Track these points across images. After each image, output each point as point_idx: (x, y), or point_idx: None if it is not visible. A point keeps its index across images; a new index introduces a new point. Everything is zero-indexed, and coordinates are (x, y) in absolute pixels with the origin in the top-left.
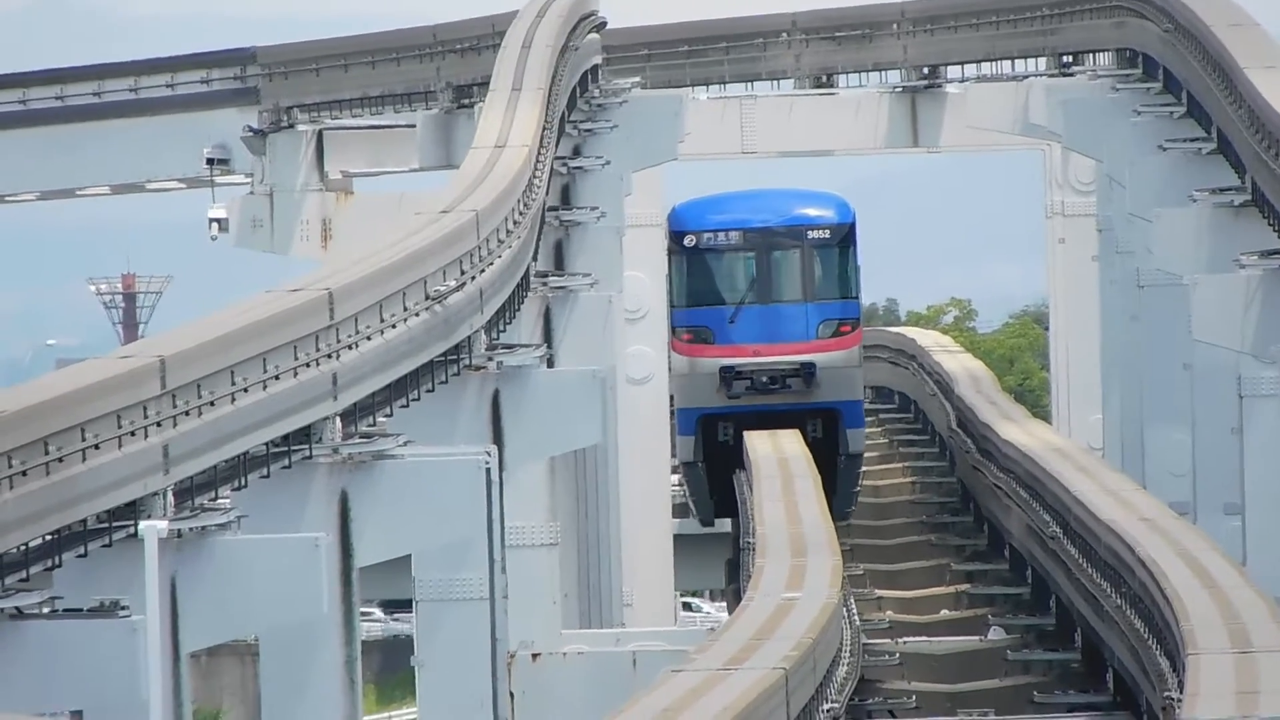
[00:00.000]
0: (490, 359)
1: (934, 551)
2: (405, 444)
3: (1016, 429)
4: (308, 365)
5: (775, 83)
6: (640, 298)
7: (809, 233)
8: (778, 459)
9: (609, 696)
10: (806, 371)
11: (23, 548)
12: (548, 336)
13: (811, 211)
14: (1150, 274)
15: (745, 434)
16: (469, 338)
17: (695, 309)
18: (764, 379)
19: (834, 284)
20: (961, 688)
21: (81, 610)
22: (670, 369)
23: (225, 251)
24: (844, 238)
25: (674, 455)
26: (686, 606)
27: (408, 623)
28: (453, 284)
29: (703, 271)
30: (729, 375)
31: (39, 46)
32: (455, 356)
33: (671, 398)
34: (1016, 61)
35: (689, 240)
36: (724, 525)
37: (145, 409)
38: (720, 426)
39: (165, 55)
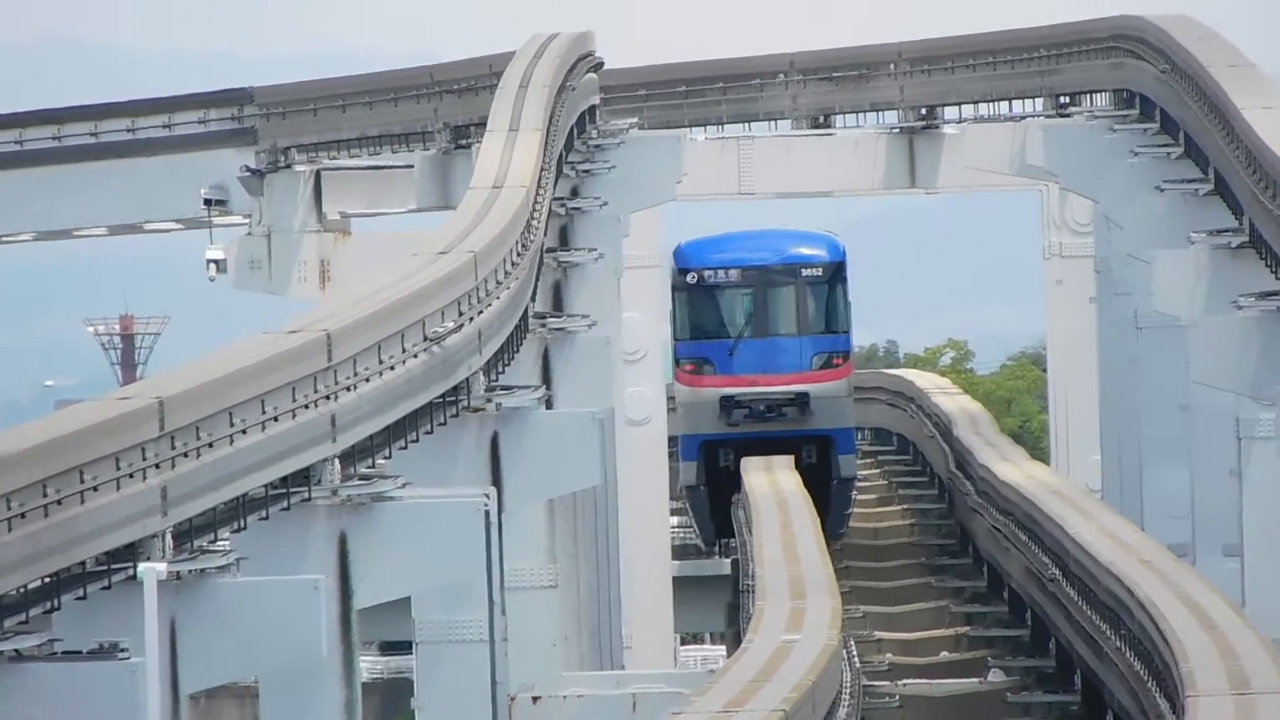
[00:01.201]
0: (489, 400)
1: (933, 593)
2: (404, 486)
3: (1015, 470)
4: (306, 407)
5: (773, 123)
6: (638, 339)
7: (803, 270)
8: (776, 499)
9: None
10: (801, 400)
11: (22, 590)
12: (546, 378)
13: (805, 251)
14: (1148, 315)
15: (743, 470)
16: (468, 379)
17: (697, 341)
18: (761, 407)
19: (826, 318)
20: None
21: (81, 652)
22: (675, 398)
23: (223, 292)
24: (835, 275)
25: (678, 481)
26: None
27: (407, 659)
28: (451, 325)
29: (704, 306)
30: (729, 404)
31: (45, 84)
32: (454, 398)
33: (671, 439)
34: (1014, 102)
35: (691, 277)
36: (723, 568)
37: (144, 451)
38: (721, 452)
39: (162, 95)
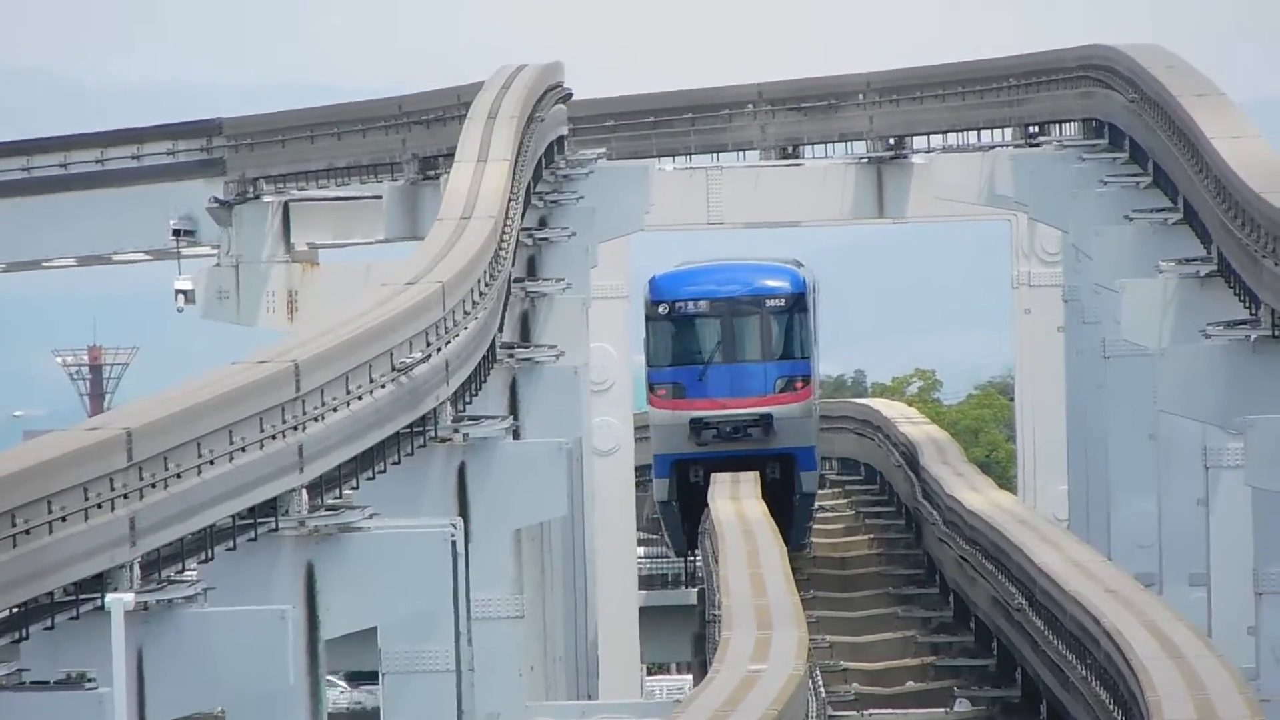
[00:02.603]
0: (456, 431)
1: (900, 623)
2: (371, 516)
3: (981, 500)
4: (274, 437)
5: (741, 153)
6: (606, 369)
7: (767, 301)
8: (742, 529)
9: None
10: (765, 421)
11: None
12: (514, 408)
13: (769, 282)
14: (1116, 344)
15: (710, 499)
16: (435, 409)
17: (669, 368)
18: (729, 428)
19: (788, 345)
20: None
21: (49, 682)
22: (648, 420)
23: (191, 323)
24: (796, 305)
25: (651, 496)
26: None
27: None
28: (419, 356)
29: (676, 335)
30: (699, 425)
31: (9, 117)
32: (421, 428)
33: (639, 469)
34: (982, 132)
35: (663, 308)
36: (689, 597)
37: (112, 481)
38: (691, 470)
39: (131, 126)
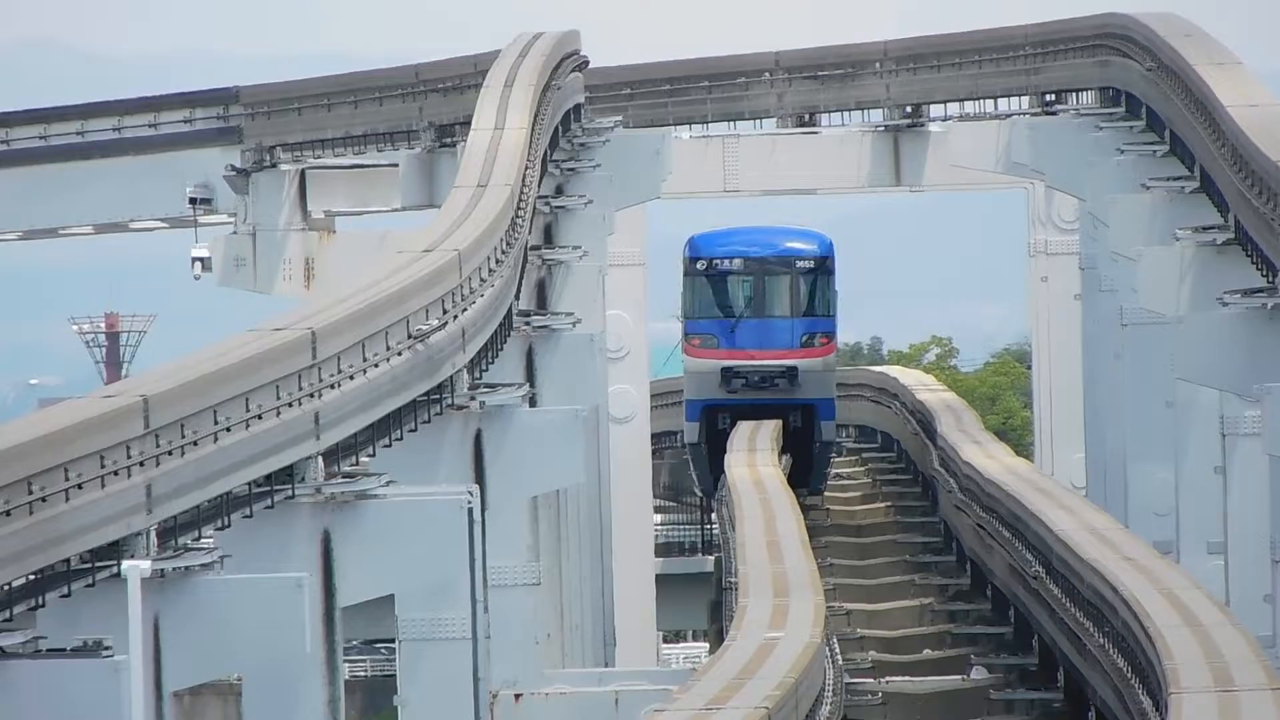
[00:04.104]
0: (473, 398)
1: (917, 591)
2: (388, 484)
3: (998, 467)
4: (290, 405)
5: (758, 122)
6: (623, 337)
7: (796, 262)
8: (759, 496)
9: None
10: (790, 373)
11: (6, 587)
12: (530, 376)
13: (798, 245)
14: (1133, 312)
15: (727, 465)
16: (451, 377)
17: (704, 320)
18: (756, 378)
19: (814, 303)
20: None
21: (65, 650)
22: (683, 368)
23: (208, 291)
24: (822, 267)
25: (682, 438)
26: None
27: (391, 660)
28: (435, 323)
29: (711, 290)
30: (728, 374)
31: (27, 86)
32: (438, 396)
33: (655, 436)
34: (999, 100)
35: (700, 265)
36: (706, 565)
37: (128, 448)
38: (720, 416)
39: (148, 95)
